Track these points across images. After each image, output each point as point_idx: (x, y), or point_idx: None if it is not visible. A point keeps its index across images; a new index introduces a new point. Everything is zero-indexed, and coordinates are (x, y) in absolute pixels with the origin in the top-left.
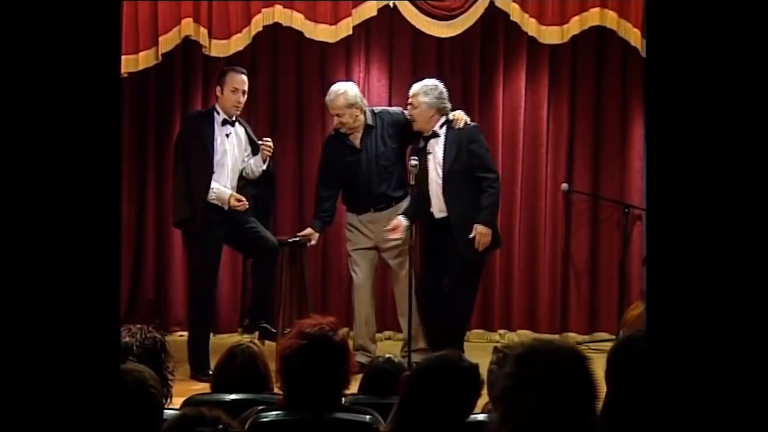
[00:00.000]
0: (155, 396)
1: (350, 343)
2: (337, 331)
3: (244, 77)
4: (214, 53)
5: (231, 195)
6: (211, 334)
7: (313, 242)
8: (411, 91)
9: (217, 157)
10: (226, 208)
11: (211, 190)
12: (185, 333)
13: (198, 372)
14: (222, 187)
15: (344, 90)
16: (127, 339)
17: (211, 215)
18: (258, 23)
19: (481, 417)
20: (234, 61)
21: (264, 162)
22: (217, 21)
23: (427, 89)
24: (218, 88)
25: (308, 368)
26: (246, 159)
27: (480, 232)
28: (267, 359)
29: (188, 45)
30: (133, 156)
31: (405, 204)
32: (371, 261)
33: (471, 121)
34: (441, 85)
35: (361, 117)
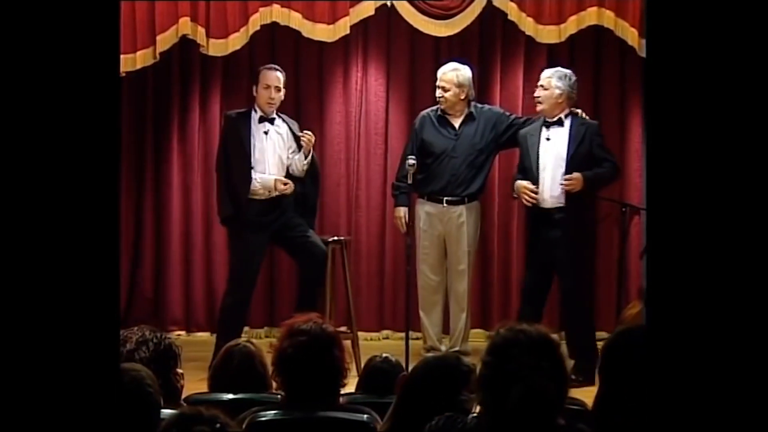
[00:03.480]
0: (152, 395)
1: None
2: (327, 323)
3: (278, 74)
4: (211, 52)
5: (276, 180)
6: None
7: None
8: (544, 74)
9: (256, 155)
10: (274, 194)
11: (254, 181)
12: (182, 332)
13: None
14: (267, 174)
15: (459, 68)
16: (146, 333)
17: (255, 216)
18: (256, 22)
19: None
20: (232, 61)
21: (306, 156)
22: (215, 20)
23: (561, 75)
24: (254, 87)
25: (313, 362)
26: (291, 156)
27: (574, 176)
28: (264, 359)
29: (186, 44)
30: (130, 155)
31: (476, 204)
32: (440, 261)
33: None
34: (575, 76)
35: (464, 102)
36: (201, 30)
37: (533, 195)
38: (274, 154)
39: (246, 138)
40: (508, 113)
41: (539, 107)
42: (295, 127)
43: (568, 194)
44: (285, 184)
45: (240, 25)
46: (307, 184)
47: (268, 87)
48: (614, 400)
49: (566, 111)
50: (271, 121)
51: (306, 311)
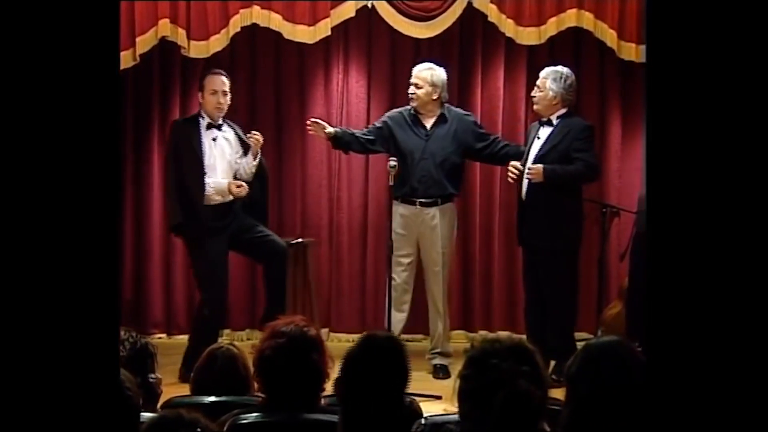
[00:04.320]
0: (132, 398)
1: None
2: (309, 325)
3: (223, 78)
4: (192, 54)
5: (229, 183)
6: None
7: (319, 122)
8: (542, 73)
9: (206, 162)
10: (228, 198)
11: (208, 186)
12: (163, 335)
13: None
14: (218, 179)
15: (435, 68)
16: (122, 334)
17: (211, 221)
18: (236, 24)
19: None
20: (212, 63)
21: (255, 158)
22: (195, 22)
23: (556, 76)
24: (200, 93)
25: (290, 365)
26: (238, 160)
27: (536, 166)
28: (247, 361)
29: (166, 46)
30: None
31: (450, 205)
32: (412, 264)
33: None
34: (573, 77)
35: (436, 104)
36: (181, 32)
37: (515, 172)
38: (223, 160)
39: (197, 145)
40: (479, 125)
41: (535, 107)
42: (241, 131)
43: (530, 188)
44: (239, 186)
45: (220, 26)
46: (255, 187)
47: (215, 92)
48: (582, 416)
49: (561, 111)
50: (219, 127)
51: (276, 312)
